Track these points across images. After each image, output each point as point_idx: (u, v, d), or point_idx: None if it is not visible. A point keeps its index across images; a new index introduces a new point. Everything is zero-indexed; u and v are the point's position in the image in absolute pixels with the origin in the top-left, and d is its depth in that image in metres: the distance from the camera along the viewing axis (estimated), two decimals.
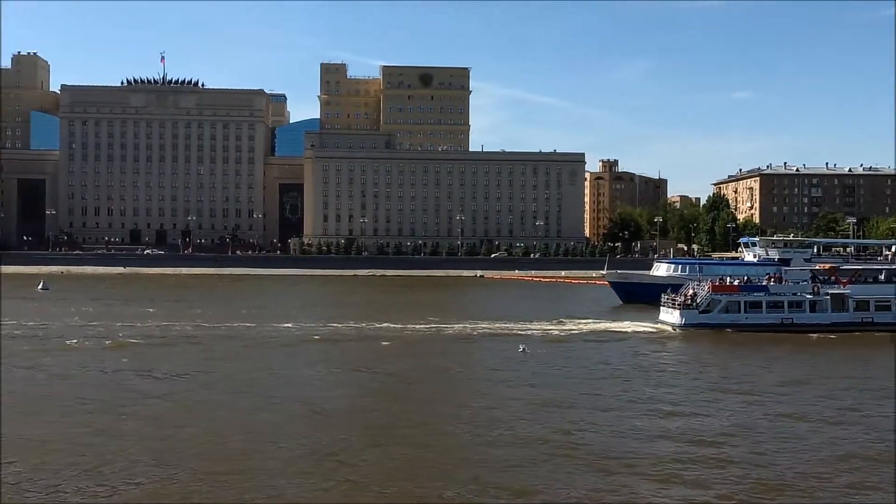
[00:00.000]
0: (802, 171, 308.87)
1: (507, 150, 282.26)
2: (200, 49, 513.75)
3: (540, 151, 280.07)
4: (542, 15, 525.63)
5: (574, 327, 77.39)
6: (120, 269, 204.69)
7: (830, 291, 74.66)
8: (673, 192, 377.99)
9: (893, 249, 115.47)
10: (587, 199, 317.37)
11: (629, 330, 76.10)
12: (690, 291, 76.25)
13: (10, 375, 48.72)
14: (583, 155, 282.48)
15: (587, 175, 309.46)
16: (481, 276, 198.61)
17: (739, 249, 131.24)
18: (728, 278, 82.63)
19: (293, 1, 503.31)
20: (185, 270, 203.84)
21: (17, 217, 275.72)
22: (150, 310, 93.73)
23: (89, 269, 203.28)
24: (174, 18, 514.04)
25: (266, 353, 60.24)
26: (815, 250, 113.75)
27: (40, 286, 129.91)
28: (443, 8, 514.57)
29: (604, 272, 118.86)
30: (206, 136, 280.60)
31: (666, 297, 78.32)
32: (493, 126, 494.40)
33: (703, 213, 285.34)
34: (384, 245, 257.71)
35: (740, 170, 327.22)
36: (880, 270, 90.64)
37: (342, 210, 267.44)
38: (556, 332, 73.23)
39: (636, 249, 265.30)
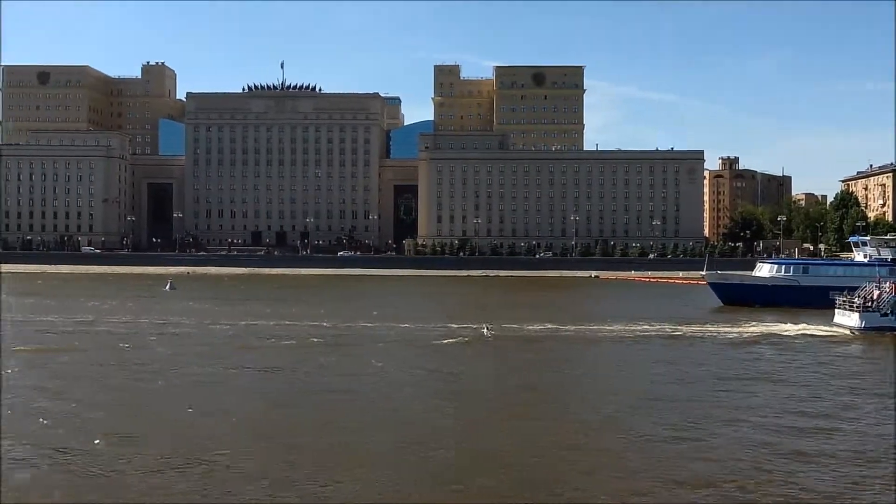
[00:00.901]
0: None
1: (622, 148, 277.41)
2: (318, 54, 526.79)
3: (657, 149, 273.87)
4: (655, 11, 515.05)
5: (741, 330, 74.40)
6: (241, 270, 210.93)
7: None
8: (797, 190, 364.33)
9: None
10: (706, 197, 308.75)
11: (801, 333, 72.04)
12: (874, 293, 72.34)
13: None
14: (701, 152, 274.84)
15: (706, 173, 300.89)
16: (596, 277, 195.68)
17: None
18: None
19: (406, 2, 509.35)
20: (303, 271, 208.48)
21: (147, 220, 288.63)
22: (293, 309, 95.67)
23: (213, 270, 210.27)
24: (293, 25, 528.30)
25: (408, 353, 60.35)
26: None
27: (168, 286, 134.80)
28: (555, 7, 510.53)
29: (703, 273, 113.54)
30: (323, 139, 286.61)
31: (842, 298, 75.08)
32: (607, 125, 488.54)
33: (830, 212, 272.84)
34: (497, 246, 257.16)
35: (871, 165, 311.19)
36: None
37: (456, 211, 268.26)
38: (732, 336, 70.63)
39: (758, 249, 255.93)
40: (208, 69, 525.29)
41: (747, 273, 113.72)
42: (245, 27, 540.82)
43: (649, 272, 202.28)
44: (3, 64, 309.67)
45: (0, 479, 29.18)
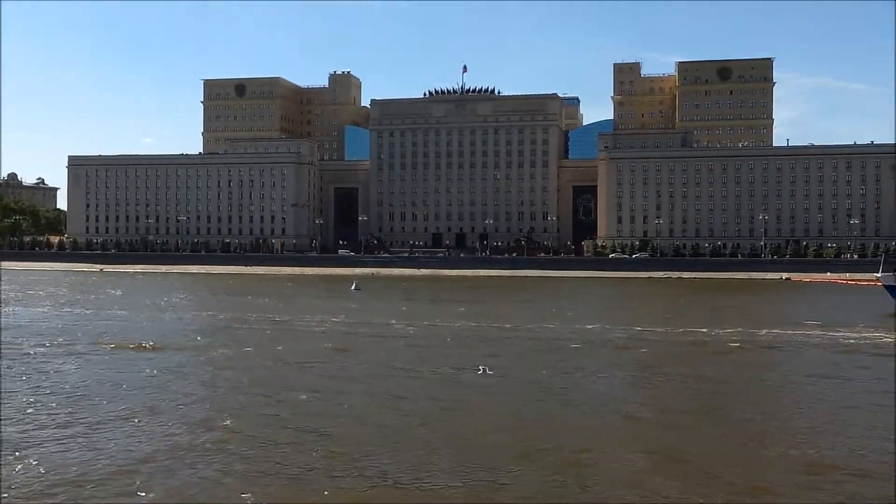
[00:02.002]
0: None
1: (814, 143, 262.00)
2: (496, 57, 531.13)
3: (854, 144, 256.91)
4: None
5: None
6: (424, 271, 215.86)
7: None
8: None
9: None
10: None
11: None
12: None
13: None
14: None
15: None
16: (787, 279, 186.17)
17: None
18: None
19: (583, 1, 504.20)
20: (482, 272, 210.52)
21: (334, 223, 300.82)
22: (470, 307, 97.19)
23: (395, 271, 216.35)
24: (472, 29, 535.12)
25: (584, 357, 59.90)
26: None
27: (353, 286, 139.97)
28: (738, 2, 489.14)
29: (878, 274, 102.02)
30: (501, 141, 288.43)
31: None
32: (798, 118, 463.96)
33: None
34: (680, 246, 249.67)
35: None
36: None
37: (636, 211, 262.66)
38: None
39: None
40: (391, 76, 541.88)
41: None
42: (425, 32, 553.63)
43: (847, 273, 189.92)
44: (203, 78, 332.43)
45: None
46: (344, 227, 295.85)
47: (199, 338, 68.75)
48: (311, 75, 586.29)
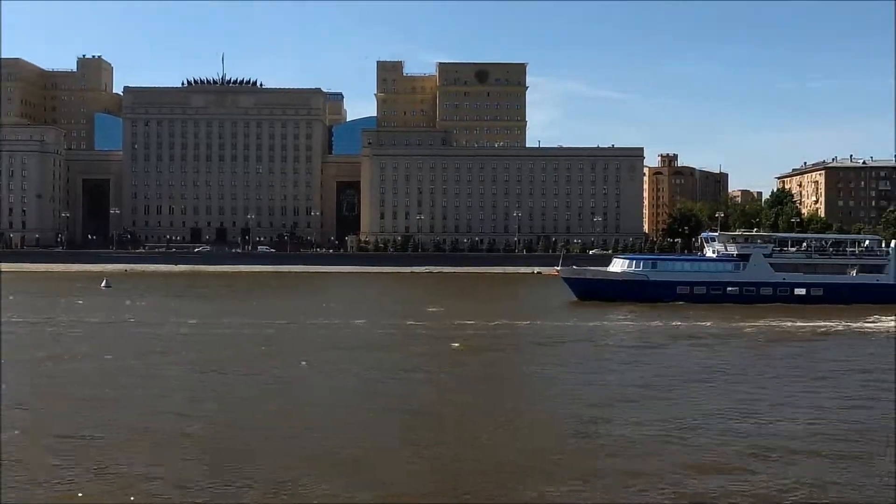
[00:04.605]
0: (870, 163, 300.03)
1: (564, 145, 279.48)
2: (258, 49, 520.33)
3: (598, 146, 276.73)
4: (598, 8, 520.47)
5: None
6: (182, 267, 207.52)
7: None
8: (734, 187, 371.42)
9: (867, 244, 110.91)
10: (646, 194, 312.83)
11: None
12: None
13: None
14: (641, 150, 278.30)
15: (646, 170, 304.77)
16: (539, 273, 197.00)
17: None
18: None
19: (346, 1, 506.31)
20: (244, 268, 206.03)
21: (83, 216, 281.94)
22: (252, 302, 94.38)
23: (151, 268, 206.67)
24: (233, 20, 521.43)
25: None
26: (777, 245, 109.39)
27: (104, 284, 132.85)
28: (498, 6, 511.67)
29: (558, 268, 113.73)
30: (264, 135, 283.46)
31: None
32: (550, 122, 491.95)
33: (765, 208, 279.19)
34: (441, 242, 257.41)
35: (805, 163, 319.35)
36: (846, 265, 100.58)
37: (399, 207, 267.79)
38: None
39: (696, 245, 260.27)
40: (147, 63, 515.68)
41: (601, 268, 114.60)
42: (184, 21, 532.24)
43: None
44: None
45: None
46: (94, 221, 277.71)
47: None
48: (58, 59, 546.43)
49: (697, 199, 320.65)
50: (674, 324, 77.73)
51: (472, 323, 77.58)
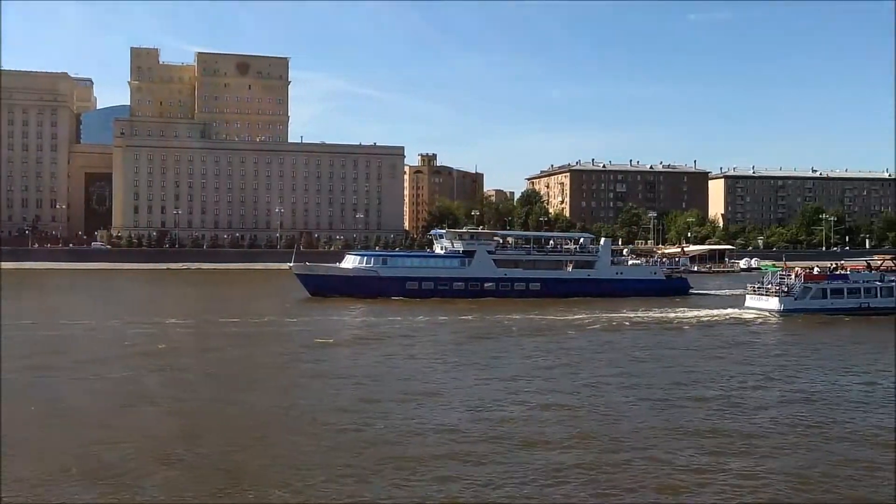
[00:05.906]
0: (609, 167, 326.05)
1: (328, 142, 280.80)
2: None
3: (360, 144, 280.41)
4: (372, 7, 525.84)
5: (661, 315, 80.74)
6: None
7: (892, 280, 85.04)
8: (489, 187, 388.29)
9: (581, 241, 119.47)
10: (407, 192, 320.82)
11: (732, 316, 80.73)
12: (790, 280, 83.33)
13: None
14: (402, 149, 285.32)
15: (406, 169, 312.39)
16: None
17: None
18: (816, 268, 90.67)
19: None
20: None
21: None
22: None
23: None
24: None
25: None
26: (501, 242, 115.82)
27: None
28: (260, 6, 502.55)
29: (291, 264, 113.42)
30: (3, 121, 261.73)
31: (755, 285, 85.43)
32: (315, 118, 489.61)
33: (517, 207, 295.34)
34: (199, 238, 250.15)
35: (552, 166, 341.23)
36: (563, 262, 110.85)
37: (154, 201, 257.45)
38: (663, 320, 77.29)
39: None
40: None
41: (334, 265, 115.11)
42: None
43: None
44: None
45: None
46: None
47: None
48: None
49: (455, 197, 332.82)
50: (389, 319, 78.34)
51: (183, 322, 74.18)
